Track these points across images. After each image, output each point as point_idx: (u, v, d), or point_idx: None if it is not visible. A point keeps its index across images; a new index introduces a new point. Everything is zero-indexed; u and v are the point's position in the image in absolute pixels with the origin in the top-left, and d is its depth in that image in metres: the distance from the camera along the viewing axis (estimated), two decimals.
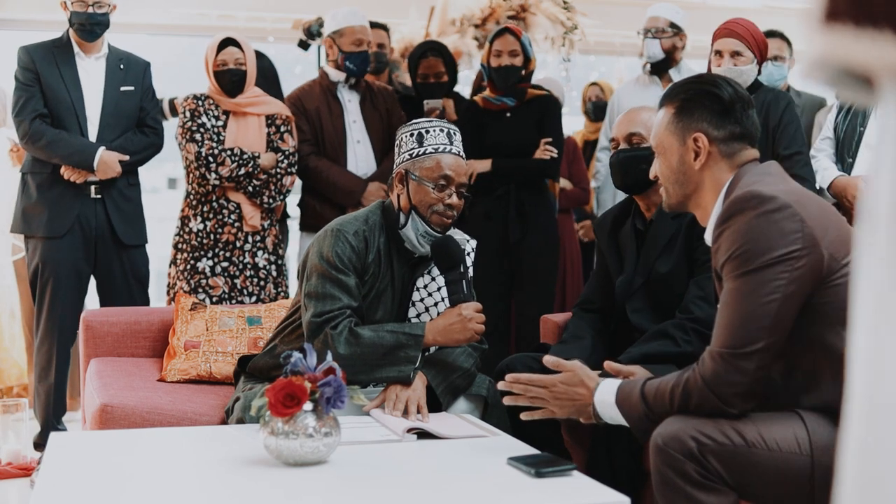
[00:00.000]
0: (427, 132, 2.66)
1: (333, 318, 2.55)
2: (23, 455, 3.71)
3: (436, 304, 2.68)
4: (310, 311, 2.58)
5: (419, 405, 2.49)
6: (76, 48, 3.91)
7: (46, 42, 3.93)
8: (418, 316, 2.69)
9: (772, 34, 4.67)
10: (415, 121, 2.73)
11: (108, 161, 3.81)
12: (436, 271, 2.68)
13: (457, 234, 2.67)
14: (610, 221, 2.94)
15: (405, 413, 2.47)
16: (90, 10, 3.83)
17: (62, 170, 3.81)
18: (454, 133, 2.68)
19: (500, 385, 2.25)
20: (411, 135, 2.67)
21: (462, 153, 2.69)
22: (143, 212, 4.06)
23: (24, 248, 4.09)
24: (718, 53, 3.69)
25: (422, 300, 2.69)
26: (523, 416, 2.23)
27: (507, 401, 2.26)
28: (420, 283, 2.70)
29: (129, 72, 3.96)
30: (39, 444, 3.87)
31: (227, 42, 4.01)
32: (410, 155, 2.65)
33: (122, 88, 3.94)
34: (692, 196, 2.15)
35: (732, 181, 2.08)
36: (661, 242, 2.75)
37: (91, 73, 3.92)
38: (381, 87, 4.44)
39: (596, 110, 5.81)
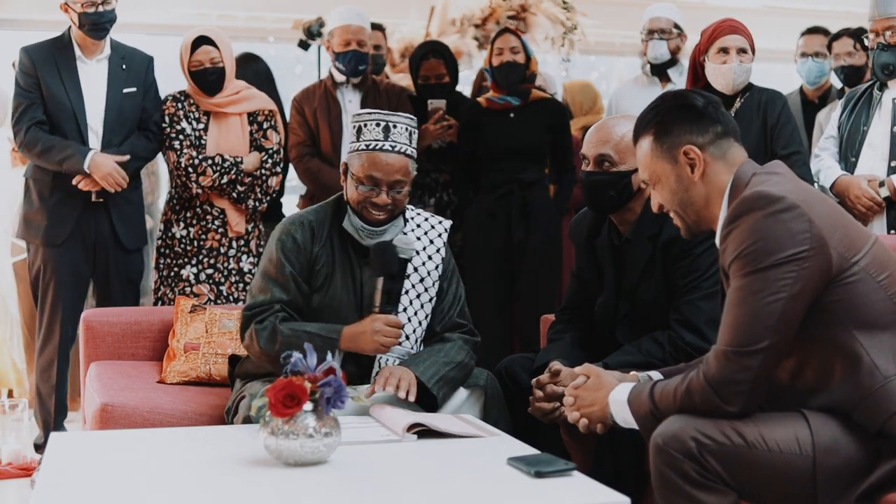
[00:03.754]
0: (365, 126, 2.63)
1: (261, 312, 2.58)
2: (23, 455, 3.71)
3: (406, 292, 2.68)
4: (245, 303, 2.64)
5: (409, 385, 2.49)
6: (78, 51, 3.85)
7: (47, 42, 3.88)
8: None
9: (815, 31, 4.65)
10: (359, 112, 2.69)
11: (100, 163, 3.74)
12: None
13: (400, 243, 2.58)
14: (585, 230, 2.86)
15: (396, 390, 2.47)
16: (100, 8, 3.77)
17: (75, 179, 3.76)
18: (394, 126, 2.62)
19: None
20: (354, 126, 2.67)
21: (402, 147, 2.61)
22: (144, 214, 4.04)
23: (25, 249, 4.06)
24: (724, 51, 3.65)
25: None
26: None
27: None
28: None
29: (131, 71, 3.90)
30: (40, 446, 3.86)
31: (201, 41, 3.91)
32: (350, 149, 2.66)
33: (125, 90, 3.88)
34: (703, 212, 2.13)
35: (735, 182, 2.07)
36: (640, 265, 2.69)
37: (93, 77, 3.86)
38: (389, 86, 4.42)
39: None
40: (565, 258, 4.47)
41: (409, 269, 2.68)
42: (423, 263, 2.72)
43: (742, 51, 3.65)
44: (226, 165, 3.84)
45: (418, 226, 2.76)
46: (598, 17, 5.83)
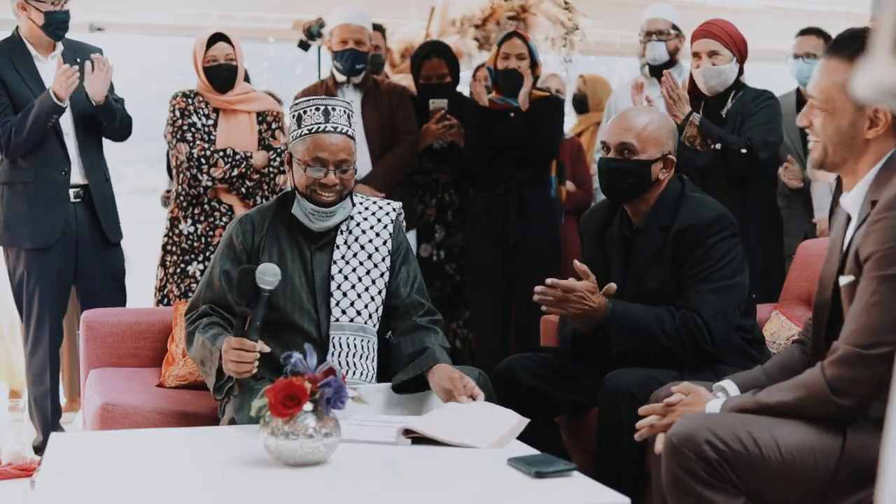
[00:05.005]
0: (304, 112, 2.67)
1: (193, 313, 2.68)
2: (23, 455, 3.71)
3: (354, 270, 2.71)
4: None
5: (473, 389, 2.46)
6: (32, 51, 3.84)
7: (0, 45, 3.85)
8: (338, 287, 2.70)
9: (809, 31, 4.64)
10: (297, 100, 2.74)
11: (57, 83, 3.64)
12: (346, 243, 2.72)
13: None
14: (597, 222, 2.90)
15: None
16: (64, 7, 3.77)
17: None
18: (333, 109, 2.67)
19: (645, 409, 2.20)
20: (293, 116, 2.71)
21: (343, 128, 2.66)
22: (118, 209, 4.04)
23: (5, 255, 3.92)
24: (696, 55, 3.71)
25: (340, 271, 2.72)
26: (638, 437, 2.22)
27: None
28: (337, 254, 2.73)
29: (85, 65, 3.84)
30: (38, 448, 3.85)
31: (217, 38, 3.95)
32: (292, 137, 2.70)
33: (85, 84, 3.83)
34: (850, 161, 2.04)
35: (894, 154, 1.99)
36: (649, 256, 2.72)
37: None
38: (390, 86, 4.42)
39: (575, 103, 5.80)
40: (566, 258, 4.47)
41: (356, 247, 2.73)
42: (371, 241, 2.75)
43: (713, 53, 3.65)
44: (237, 158, 3.87)
45: (366, 208, 2.82)
46: (598, 18, 5.83)
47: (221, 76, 3.94)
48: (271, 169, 3.95)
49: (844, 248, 2.04)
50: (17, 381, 4.76)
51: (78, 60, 3.85)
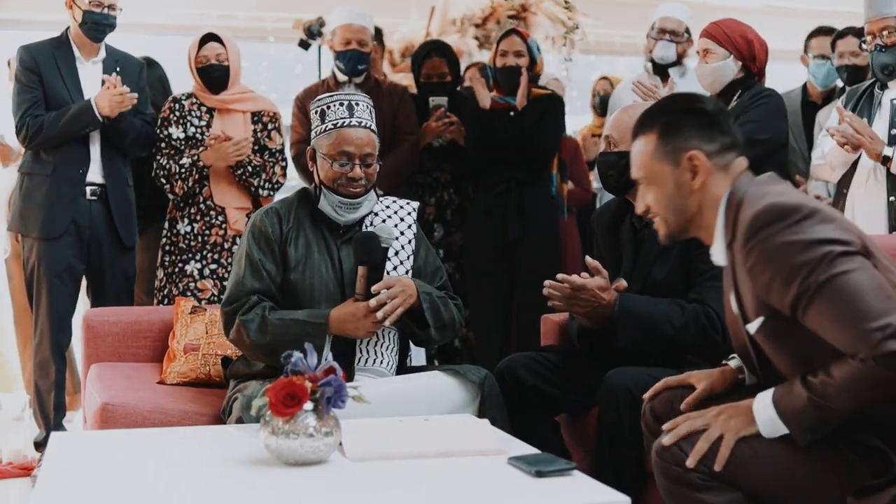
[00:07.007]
0: (328, 108, 2.71)
1: (242, 304, 2.64)
2: (23, 454, 3.71)
3: (395, 268, 2.74)
4: (224, 298, 2.71)
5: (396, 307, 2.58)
6: (76, 52, 3.87)
7: (47, 42, 3.88)
8: None
9: (825, 31, 4.61)
10: (321, 96, 2.77)
11: (102, 97, 3.71)
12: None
13: (382, 232, 2.66)
14: (609, 215, 2.92)
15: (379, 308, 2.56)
16: (105, 10, 3.80)
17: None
18: (356, 104, 2.72)
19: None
20: (316, 112, 2.74)
21: (366, 123, 2.71)
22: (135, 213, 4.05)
23: (17, 246, 4.03)
24: (697, 53, 3.74)
25: None
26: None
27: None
28: None
29: (125, 74, 3.88)
30: (40, 443, 3.86)
31: (209, 38, 3.96)
32: (316, 132, 2.73)
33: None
34: (693, 219, 2.06)
35: (732, 193, 2.01)
36: (657, 249, 2.72)
37: (90, 79, 3.86)
38: (391, 86, 4.43)
39: (602, 105, 5.80)
40: (567, 257, 4.47)
41: (390, 252, 2.75)
42: (397, 238, 2.79)
43: (706, 52, 3.65)
44: (182, 172, 3.86)
45: (387, 206, 2.86)
46: (598, 17, 5.84)
47: (213, 76, 3.95)
48: (270, 160, 3.95)
49: (737, 298, 2.03)
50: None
51: (118, 70, 3.86)
